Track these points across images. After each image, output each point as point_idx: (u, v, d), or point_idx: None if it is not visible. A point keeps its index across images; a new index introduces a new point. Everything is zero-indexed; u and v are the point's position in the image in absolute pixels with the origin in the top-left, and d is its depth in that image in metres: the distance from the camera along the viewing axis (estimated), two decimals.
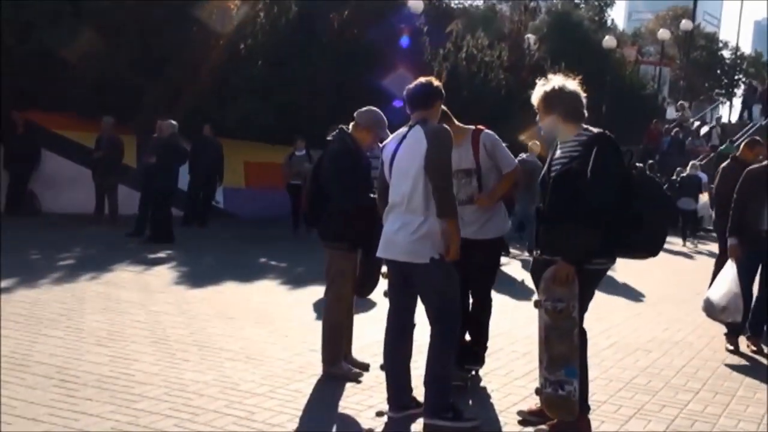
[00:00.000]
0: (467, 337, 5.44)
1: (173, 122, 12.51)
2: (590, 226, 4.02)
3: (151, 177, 12.05)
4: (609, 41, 26.84)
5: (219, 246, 12.24)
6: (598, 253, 4.13)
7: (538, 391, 4.41)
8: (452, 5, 25.03)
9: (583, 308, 4.27)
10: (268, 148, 16.57)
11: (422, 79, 4.56)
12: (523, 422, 4.54)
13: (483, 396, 5.12)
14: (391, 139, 4.65)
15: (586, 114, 4.30)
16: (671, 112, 31.18)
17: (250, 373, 5.28)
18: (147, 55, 14.31)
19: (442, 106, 4.74)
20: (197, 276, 9.04)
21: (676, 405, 5.07)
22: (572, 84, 4.30)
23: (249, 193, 17.06)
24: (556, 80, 4.32)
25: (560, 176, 4.16)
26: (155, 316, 6.84)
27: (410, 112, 4.54)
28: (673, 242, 17.88)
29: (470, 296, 5.37)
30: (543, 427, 4.33)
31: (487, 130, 5.25)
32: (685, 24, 31.79)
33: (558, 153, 4.32)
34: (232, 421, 4.35)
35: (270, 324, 6.81)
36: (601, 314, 8.17)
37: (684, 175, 17.30)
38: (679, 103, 28.64)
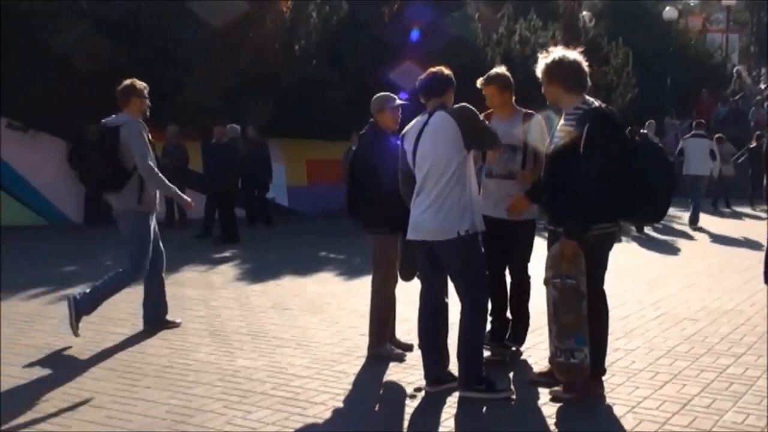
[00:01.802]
0: (509, 315, 5.59)
1: (236, 126, 12.98)
2: (584, 201, 4.14)
3: (214, 180, 12.53)
4: (669, 12, 26.23)
5: (281, 243, 12.64)
6: (601, 218, 4.25)
7: (550, 360, 4.55)
8: None
9: (599, 273, 4.39)
10: (327, 144, 16.95)
11: (433, 69, 4.81)
12: (534, 383, 4.72)
13: (523, 369, 5.26)
14: (410, 128, 4.84)
15: (589, 83, 4.43)
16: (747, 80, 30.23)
17: (298, 357, 5.56)
18: (205, 62, 14.78)
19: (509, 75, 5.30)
20: (258, 272, 9.41)
21: (715, 369, 5.12)
22: (573, 54, 4.47)
23: (312, 190, 17.47)
24: (557, 51, 4.49)
25: (556, 151, 4.30)
26: (215, 310, 7.21)
27: (425, 101, 4.78)
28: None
29: (509, 275, 5.54)
30: (557, 388, 4.47)
31: (539, 115, 5.40)
32: None
33: (560, 124, 4.45)
34: (277, 401, 4.64)
35: (323, 312, 7.10)
36: (655, 286, 8.21)
37: None
38: (736, 69, 27.64)
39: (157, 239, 6.61)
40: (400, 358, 5.50)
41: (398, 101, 5.62)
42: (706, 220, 14.81)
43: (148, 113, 6.55)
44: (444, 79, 4.77)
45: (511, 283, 5.53)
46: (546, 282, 4.47)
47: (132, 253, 6.42)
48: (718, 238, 13.08)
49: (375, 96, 5.70)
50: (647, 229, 13.56)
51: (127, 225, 6.38)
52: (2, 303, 7.33)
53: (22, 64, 13.59)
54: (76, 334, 6.05)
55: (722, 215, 17.05)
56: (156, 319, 6.54)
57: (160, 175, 6.34)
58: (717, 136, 17.94)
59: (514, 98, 5.46)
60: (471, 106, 4.71)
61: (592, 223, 4.23)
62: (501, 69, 5.47)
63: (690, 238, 13.17)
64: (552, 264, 4.37)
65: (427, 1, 17.22)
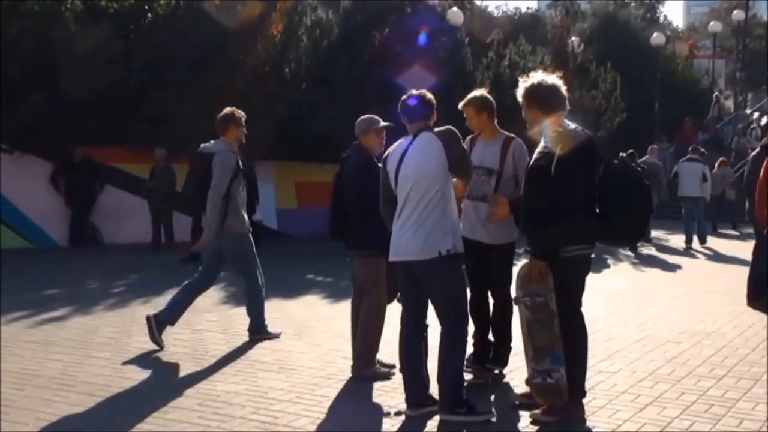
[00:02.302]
0: (491, 337, 5.57)
1: None
2: (553, 222, 4.17)
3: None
4: (657, 38, 26.39)
5: (268, 265, 12.45)
6: (575, 240, 4.28)
7: (527, 382, 4.55)
8: (495, 14, 25.10)
9: (577, 293, 4.39)
10: (317, 167, 16.93)
11: (415, 92, 4.81)
12: (517, 405, 4.70)
13: (505, 392, 5.23)
14: (394, 150, 4.84)
15: (568, 107, 4.47)
16: (728, 105, 30.48)
17: (280, 381, 5.52)
18: (196, 85, 14.79)
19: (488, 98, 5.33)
20: (244, 295, 9.32)
21: (696, 392, 5.11)
22: (551, 78, 4.53)
23: (302, 213, 17.44)
24: (537, 76, 4.53)
25: (530, 172, 4.34)
26: (198, 334, 7.17)
27: (408, 124, 4.78)
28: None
29: (491, 298, 5.53)
30: (537, 411, 4.46)
31: (519, 140, 5.42)
32: (737, 14, 31.08)
33: (539, 147, 4.49)
34: (256, 426, 4.59)
35: (307, 335, 7.06)
36: (641, 307, 8.23)
37: None
38: (714, 94, 27.80)
39: (220, 262, 6.96)
40: (387, 376, 5.50)
41: (383, 123, 5.64)
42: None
43: (244, 141, 6.80)
44: (428, 104, 4.79)
45: (494, 306, 5.52)
46: (516, 301, 4.51)
47: (241, 272, 6.98)
48: (711, 259, 13.17)
49: (359, 118, 5.72)
50: (640, 250, 13.68)
51: (225, 245, 6.72)
52: None
53: (10, 86, 13.58)
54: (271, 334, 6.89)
55: (721, 236, 17.07)
56: (160, 328, 6.64)
57: (216, 208, 6.49)
58: (721, 159, 18.49)
59: (496, 121, 5.46)
60: (455, 130, 4.72)
61: (561, 245, 4.25)
62: (479, 91, 5.48)
63: (682, 258, 13.22)
64: (521, 283, 4.41)
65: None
